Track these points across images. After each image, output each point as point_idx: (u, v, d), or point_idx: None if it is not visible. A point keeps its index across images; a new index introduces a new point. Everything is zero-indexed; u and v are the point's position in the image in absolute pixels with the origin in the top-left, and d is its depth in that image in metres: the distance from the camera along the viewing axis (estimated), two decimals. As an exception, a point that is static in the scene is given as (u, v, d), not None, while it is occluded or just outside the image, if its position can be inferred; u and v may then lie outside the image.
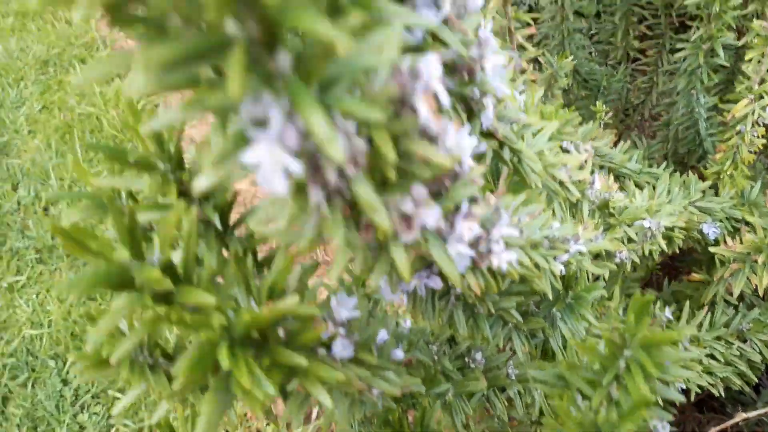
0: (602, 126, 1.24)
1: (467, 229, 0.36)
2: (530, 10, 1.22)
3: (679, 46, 1.24)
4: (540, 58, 1.15)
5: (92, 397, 1.86)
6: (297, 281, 0.39)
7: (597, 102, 1.18)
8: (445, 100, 0.29)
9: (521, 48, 0.91)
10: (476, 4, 0.41)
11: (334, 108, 0.23)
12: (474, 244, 0.38)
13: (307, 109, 0.21)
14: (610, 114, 1.25)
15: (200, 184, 0.24)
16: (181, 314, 0.32)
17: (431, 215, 0.29)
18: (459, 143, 0.33)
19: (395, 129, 0.28)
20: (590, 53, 1.67)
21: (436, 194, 0.35)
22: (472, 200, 0.37)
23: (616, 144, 1.35)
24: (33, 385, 1.93)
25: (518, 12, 0.82)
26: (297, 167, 0.23)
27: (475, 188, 0.36)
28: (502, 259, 0.39)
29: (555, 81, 1.20)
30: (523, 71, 1.00)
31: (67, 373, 1.93)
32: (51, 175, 2.31)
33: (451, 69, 0.40)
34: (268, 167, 0.22)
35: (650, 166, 1.21)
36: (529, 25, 0.90)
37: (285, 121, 0.22)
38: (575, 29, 1.33)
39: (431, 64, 0.27)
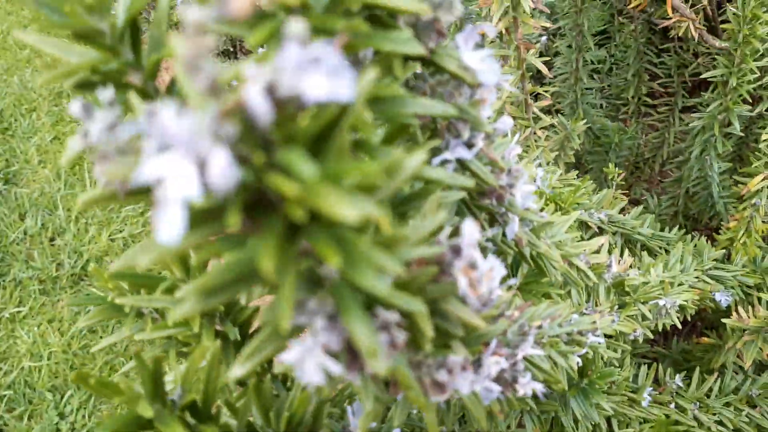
0: (614, 187, 1.24)
1: (494, 363, 0.36)
2: (539, 74, 1.22)
3: (691, 108, 1.24)
4: (554, 121, 1.15)
5: (88, 431, 1.84)
6: (313, 409, 0.38)
7: (610, 164, 1.18)
8: (482, 263, 0.28)
9: (536, 118, 0.91)
10: (506, 127, 0.40)
11: (376, 302, 0.23)
12: (499, 376, 0.37)
13: (353, 318, 0.20)
14: (623, 175, 1.25)
15: (235, 373, 0.23)
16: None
17: (466, 382, 0.28)
18: (490, 286, 0.33)
19: (433, 294, 0.28)
20: (601, 105, 1.67)
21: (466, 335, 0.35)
22: (501, 334, 0.36)
23: (628, 200, 1.34)
24: (29, 418, 1.90)
25: (534, 86, 0.83)
26: (336, 368, 0.22)
27: (506, 323, 0.35)
28: (528, 388, 0.38)
29: (568, 142, 1.21)
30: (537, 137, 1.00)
31: (65, 406, 1.91)
32: (59, 206, 2.31)
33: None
34: (308, 368, 0.22)
35: (662, 228, 1.20)
36: (540, 96, 0.91)
37: (328, 326, 0.21)
38: (588, 89, 1.33)
39: (470, 235, 0.27)
